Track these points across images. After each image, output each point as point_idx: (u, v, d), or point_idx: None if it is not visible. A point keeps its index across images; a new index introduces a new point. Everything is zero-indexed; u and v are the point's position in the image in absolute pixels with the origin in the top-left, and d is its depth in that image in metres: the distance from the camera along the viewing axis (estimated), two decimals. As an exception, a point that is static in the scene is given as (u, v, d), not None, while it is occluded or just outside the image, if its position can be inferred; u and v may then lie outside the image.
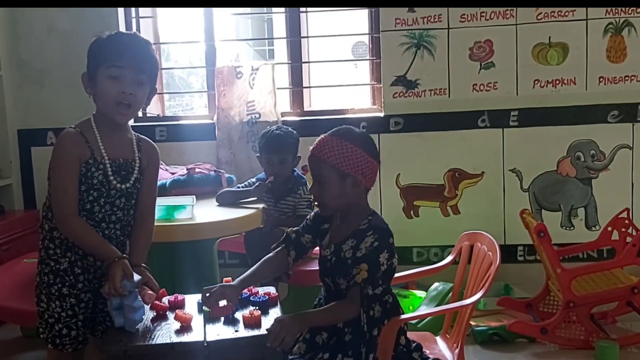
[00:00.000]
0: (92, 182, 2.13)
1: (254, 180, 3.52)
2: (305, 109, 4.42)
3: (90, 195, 2.14)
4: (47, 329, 2.17)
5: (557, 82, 4.13)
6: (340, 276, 2.09)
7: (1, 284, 3.22)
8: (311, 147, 2.15)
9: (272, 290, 2.22)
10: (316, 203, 2.18)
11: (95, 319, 2.26)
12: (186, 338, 1.86)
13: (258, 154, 3.59)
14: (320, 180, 2.10)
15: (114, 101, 2.15)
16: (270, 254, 2.32)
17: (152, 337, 1.86)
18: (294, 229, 2.32)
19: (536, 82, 4.14)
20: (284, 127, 3.57)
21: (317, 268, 3.33)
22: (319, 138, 2.14)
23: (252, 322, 1.91)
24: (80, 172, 2.11)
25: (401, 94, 4.21)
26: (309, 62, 4.49)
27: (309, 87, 4.48)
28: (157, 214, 3.00)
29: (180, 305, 2.10)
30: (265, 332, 1.87)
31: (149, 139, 2.39)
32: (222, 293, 2.05)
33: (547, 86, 4.14)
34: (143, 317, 2.01)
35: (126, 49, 2.14)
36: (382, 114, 4.26)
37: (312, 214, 2.28)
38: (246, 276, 2.19)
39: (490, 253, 2.36)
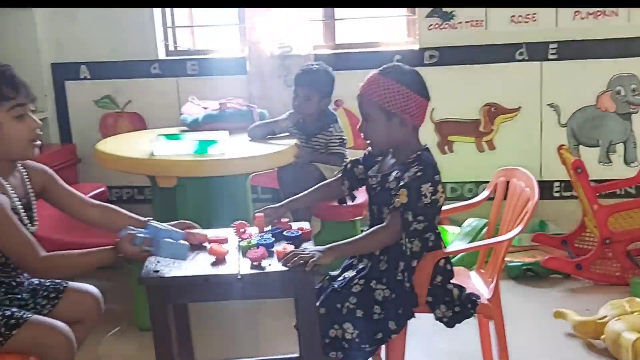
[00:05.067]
0: None
1: (285, 115, 3.49)
2: (337, 42, 4.34)
3: None
4: (4, 327, 1.94)
5: (599, 13, 3.99)
6: (385, 205, 2.12)
7: (42, 216, 3.27)
8: (360, 85, 2.14)
9: (305, 225, 2.23)
10: (367, 142, 2.20)
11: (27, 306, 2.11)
12: (220, 271, 1.88)
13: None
14: (368, 119, 2.13)
15: (26, 142, 1.98)
16: (328, 180, 2.47)
17: (187, 269, 1.89)
18: (352, 159, 2.37)
19: (577, 13, 4.01)
20: (324, 65, 3.50)
21: (349, 204, 3.37)
22: (368, 76, 2.14)
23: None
24: None
25: (437, 26, 4.11)
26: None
27: (342, 18, 4.39)
28: (192, 149, 3.01)
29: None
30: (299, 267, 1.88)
31: (32, 162, 2.15)
32: (264, 213, 2.21)
33: (588, 17, 4.01)
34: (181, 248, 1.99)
35: (15, 78, 1.95)
36: (417, 47, 4.17)
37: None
38: (294, 198, 2.35)
39: (527, 189, 2.33)
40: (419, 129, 2.18)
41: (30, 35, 4.28)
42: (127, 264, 1.97)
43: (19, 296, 2.10)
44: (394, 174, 2.12)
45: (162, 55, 4.37)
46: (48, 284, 2.19)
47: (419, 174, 2.04)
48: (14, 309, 2.00)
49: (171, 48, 4.45)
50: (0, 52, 4.22)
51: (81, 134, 4.46)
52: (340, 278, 2.21)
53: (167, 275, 1.85)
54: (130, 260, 1.99)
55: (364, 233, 2.16)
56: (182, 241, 1.98)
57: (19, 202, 2.01)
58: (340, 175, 2.38)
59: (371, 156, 2.30)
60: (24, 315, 1.97)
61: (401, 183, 2.05)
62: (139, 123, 4.42)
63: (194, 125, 3.60)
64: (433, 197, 2.05)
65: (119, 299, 3.29)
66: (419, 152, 2.12)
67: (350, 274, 2.20)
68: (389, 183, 2.12)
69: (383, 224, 2.09)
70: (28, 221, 2.06)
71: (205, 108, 3.74)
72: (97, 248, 2.04)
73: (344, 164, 2.41)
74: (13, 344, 1.93)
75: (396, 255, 2.12)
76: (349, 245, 2.09)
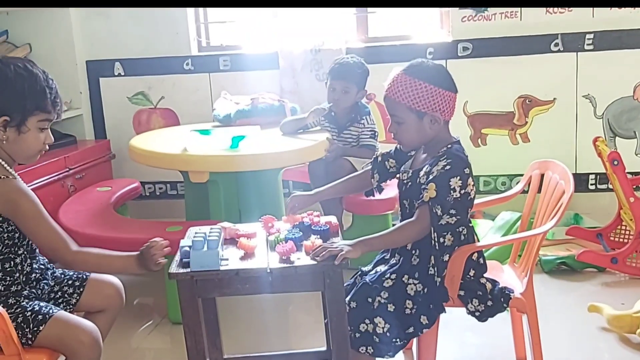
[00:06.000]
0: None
1: (313, 109, 3.49)
2: (370, 36, 4.32)
3: (17, 256, 2.03)
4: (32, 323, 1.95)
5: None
6: (416, 199, 2.11)
7: (76, 211, 3.34)
8: (385, 87, 2.12)
9: (333, 219, 2.22)
10: (397, 142, 2.19)
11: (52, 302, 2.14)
12: (250, 265, 1.89)
13: (326, 81, 3.54)
14: (398, 121, 2.10)
15: (36, 151, 2.06)
16: (358, 172, 2.45)
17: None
18: (383, 152, 2.35)
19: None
20: (357, 57, 3.50)
21: (381, 198, 3.37)
22: (392, 76, 2.10)
23: (314, 251, 1.92)
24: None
25: (470, 18, 4.07)
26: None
27: (374, 12, 4.37)
28: (226, 145, 3.01)
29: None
30: (328, 260, 1.88)
31: None
32: (293, 201, 2.24)
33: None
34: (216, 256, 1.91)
35: (57, 96, 2.04)
36: (450, 39, 4.13)
37: None
38: (323, 188, 2.35)
39: (562, 182, 2.29)
40: (449, 122, 2.16)
41: (66, 33, 4.35)
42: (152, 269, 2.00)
43: (44, 281, 2.13)
44: (425, 168, 2.10)
45: (194, 51, 4.41)
46: (71, 273, 2.22)
47: (448, 167, 2.03)
48: (42, 304, 2.02)
49: (203, 44, 4.48)
50: (37, 50, 4.31)
51: (115, 130, 4.52)
52: (372, 272, 2.21)
53: (197, 270, 1.87)
54: (150, 270, 2.01)
55: (393, 227, 2.15)
56: (219, 249, 1.90)
57: None
58: (370, 167, 2.37)
59: (402, 151, 2.28)
60: (51, 311, 1.98)
61: (430, 177, 2.04)
62: (172, 119, 4.46)
63: (227, 121, 3.63)
64: (463, 191, 2.03)
65: (152, 293, 3.33)
66: (449, 146, 2.10)
67: (382, 268, 2.20)
68: (419, 178, 2.11)
69: (412, 219, 2.08)
70: None
71: (237, 103, 3.77)
72: (124, 253, 2.09)
73: (374, 156, 2.39)
74: (41, 340, 1.95)
75: (428, 249, 2.11)
76: (378, 239, 2.08)
